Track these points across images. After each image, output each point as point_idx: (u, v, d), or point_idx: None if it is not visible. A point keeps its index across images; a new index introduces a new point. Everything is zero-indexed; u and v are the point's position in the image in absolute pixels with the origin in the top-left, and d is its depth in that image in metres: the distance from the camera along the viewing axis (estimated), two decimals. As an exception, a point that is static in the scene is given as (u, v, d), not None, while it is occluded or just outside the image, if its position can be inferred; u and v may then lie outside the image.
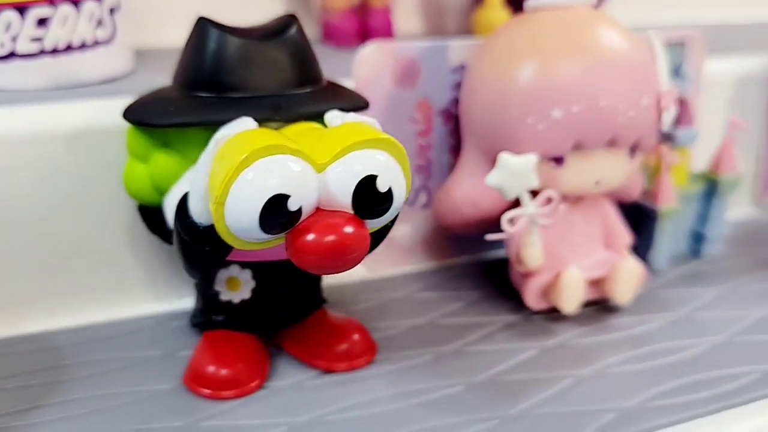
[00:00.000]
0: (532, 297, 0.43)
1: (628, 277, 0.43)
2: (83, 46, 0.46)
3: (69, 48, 0.45)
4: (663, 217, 0.49)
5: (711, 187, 0.51)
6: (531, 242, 0.41)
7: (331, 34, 0.61)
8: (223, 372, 0.37)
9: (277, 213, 0.29)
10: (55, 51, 0.45)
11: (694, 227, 0.52)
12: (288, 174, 0.30)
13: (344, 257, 0.31)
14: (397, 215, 0.37)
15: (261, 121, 0.34)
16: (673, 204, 0.49)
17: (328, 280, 0.48)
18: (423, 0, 0.69)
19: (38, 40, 0.44)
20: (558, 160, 0.41)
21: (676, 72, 0.54)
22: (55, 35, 0.44)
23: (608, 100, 0.40)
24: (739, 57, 0.58)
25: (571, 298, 0.42)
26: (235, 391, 0.37)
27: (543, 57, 0.40)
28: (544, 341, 0.42)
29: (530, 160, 0.38)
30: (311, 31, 0.66)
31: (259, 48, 0.36)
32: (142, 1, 0.59)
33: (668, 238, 0.50)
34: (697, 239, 0.52)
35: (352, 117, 0.34)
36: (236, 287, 0.39)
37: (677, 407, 0.36)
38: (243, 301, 0.39)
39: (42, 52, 0.44)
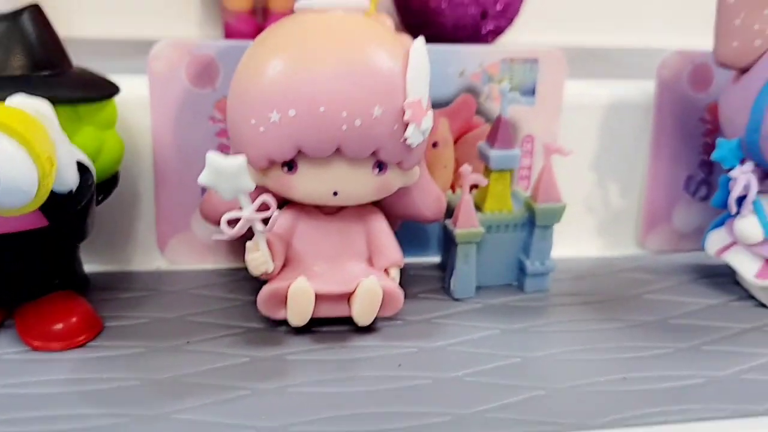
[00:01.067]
0: (262, 304, 0.41)
1: (363, 296, 0.41)
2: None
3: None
4: (460, 242, 0.45)
5: (532, 216, 0.47)
6: (254, 247, 0.40)
7: (230, 35, 0.62)
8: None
9: None
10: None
11: (520, 258, 0.48)
12: None
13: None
14: (69, 205, 0.38)
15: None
16: (473, 228, 0.45)
17: (119, 266, 0.50)
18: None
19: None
20: (290, 167, 0.40)
21: (530, 91, 0.51)
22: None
23: (329, 106, 0.38)
24: (615, 81, 0.52)
25: (297, 311, 0.40)
26: (-67, 354, 0.39)
27: (271, 60, 0.39)
28: (262, 352, 0.41)
29: (238, 161, 0.37)
30: (218, 31, 0.67)
31: (-17, 32, 0.38)
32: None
33: (472, 266, 0.46)
34: (523, 271, 0.48)
35: (20, 102, 0.35)
36: (-40, 254, 0.41)
37: (322, 435, 0.34)
38: (-30, 270, 0.41)
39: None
